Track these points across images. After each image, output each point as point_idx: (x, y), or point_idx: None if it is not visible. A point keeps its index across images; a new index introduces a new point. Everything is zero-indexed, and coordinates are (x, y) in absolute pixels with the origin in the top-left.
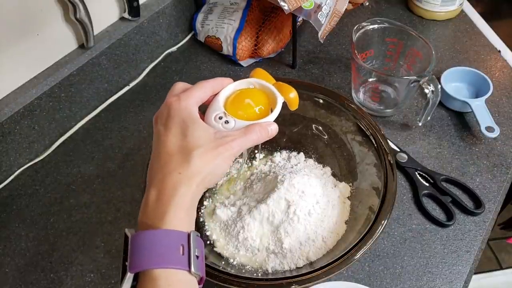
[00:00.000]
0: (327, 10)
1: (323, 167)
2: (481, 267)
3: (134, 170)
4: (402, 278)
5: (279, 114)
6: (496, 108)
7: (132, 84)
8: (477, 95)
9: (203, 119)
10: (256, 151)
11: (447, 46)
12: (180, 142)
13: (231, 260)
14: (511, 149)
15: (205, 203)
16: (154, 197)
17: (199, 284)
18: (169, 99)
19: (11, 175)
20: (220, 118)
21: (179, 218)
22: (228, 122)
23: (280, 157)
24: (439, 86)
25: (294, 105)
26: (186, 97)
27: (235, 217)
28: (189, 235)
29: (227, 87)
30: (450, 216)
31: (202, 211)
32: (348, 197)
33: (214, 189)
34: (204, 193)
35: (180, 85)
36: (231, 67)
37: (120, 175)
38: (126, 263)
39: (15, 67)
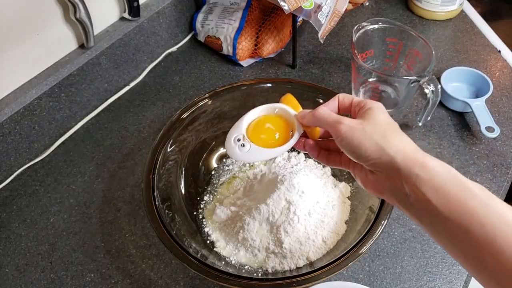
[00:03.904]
0: (327, 10)
1: (323, 167)
2: None
3: (134, 170)
4: (402, 278)
5: None
6: (496, 108)
7: (132, 84)
8: (477, 95)
9: None
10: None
11: (447, 46)
12: None
13: (231, 260)
14: (511, 149)
15: (205, 198)
16: None
17: None
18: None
19: (11, 175)
20: (238, 140)
21: None
22: (244, 146)
23: (280, 157)
24: (439, 86)
25: (315, 136)
26: None
27: (235, 217)
28: None
29: (253, 111)
30: None
31: (202, 207)
32: (348, 197)
33: (215, 187)
34: (205, 187)
35: None
36: (231, 67)
37: (120, 175)
38: None
39: (15, 67)
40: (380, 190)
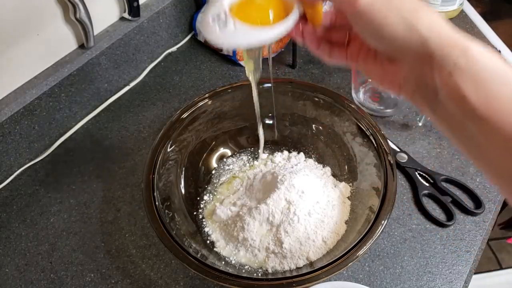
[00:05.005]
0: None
1: (323, 167)
2: (481, 267)
3: (134, 170)
4: (402, 278)
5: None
6: None
7: (132, 84)
8: None
9: None
10: (260, 151)
11: None
12: None
13: (231, 260)
14: None
15: (205, 198)
16: None
17: None
18: None
19: (11, 175)
20: (219, 17)
21: None
22: (226, 25)
23: (280, 157)
24: None
25: (317, 20)
26: None
27: (235, 217)
28: None
29: None
30: (450, 216)
31: (202, 207)
32: (348, 197)
33: (215, 186)
34: (205, 187)
35: None
36: (231, 67)
37: (120, 175)
38: None
39: (15, 67)
40: (401, 85)
